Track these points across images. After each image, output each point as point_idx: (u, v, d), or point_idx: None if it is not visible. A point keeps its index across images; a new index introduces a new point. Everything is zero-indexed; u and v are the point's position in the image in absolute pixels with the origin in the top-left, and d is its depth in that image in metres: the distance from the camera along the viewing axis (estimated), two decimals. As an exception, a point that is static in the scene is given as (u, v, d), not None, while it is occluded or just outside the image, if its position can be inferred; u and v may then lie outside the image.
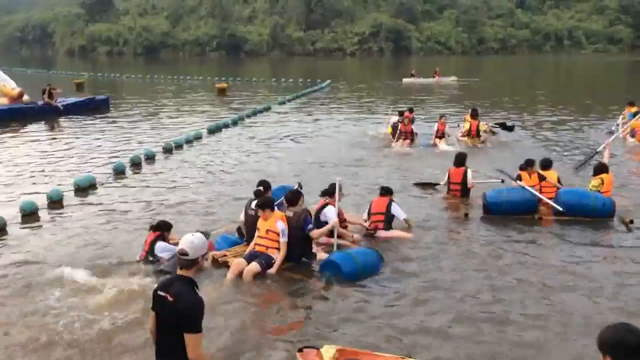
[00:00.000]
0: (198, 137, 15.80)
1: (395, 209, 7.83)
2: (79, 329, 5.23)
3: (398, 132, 14.53)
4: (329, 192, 7.48)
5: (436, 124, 14.98)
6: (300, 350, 4.49)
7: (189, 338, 3.46)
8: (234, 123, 18.70)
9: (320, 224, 7.23)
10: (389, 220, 7.78)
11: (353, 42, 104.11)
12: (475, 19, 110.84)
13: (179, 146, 14.48)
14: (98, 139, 16.11)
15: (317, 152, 14.05)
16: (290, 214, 6.78)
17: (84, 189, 10.28)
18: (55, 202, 9.43)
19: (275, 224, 6.56)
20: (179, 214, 8.74)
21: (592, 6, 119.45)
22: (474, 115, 15.29)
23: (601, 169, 8.95)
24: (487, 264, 6.81)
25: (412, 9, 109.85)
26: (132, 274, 6.49)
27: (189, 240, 3.65)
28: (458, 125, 16.39)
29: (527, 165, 9.14)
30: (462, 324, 5.37)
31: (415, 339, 5.13)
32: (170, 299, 3.54)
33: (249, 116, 20.28)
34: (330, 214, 7.25)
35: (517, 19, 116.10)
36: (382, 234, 7.71)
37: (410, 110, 16.05)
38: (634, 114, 15.35)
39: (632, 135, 14.82)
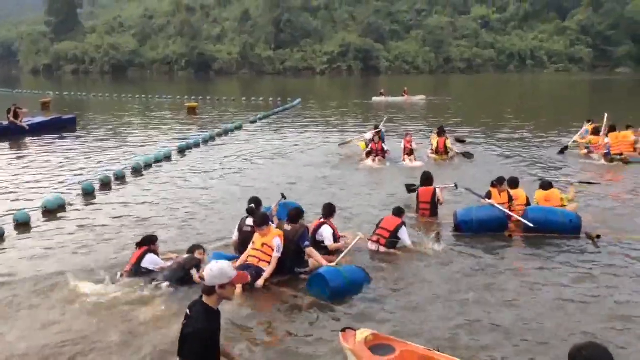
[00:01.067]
0: (168, 157, 15.67)
1: (403, 234, 7.86)
2: None
3: (369, 149, 15.01)
4: (326, 213, 7.75)
5: (403, 141, 15.40)
6: (343, 330, 4.92)
7: None
8: (205, 142, 18.61)
9: (316, 243, 7.43)
10: (392, 240, 7.80)
11: (322, 61, 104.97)
12: (441, 39, 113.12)
13: (148, 166, 14.33)
14: (66, 159, 15.82)
15: (290, 170, 14.08)
16: (288, 228, 7.09)
17: (53, 210, 10.07)
18: (22, 225, 9.21)
19: (272, 240, 6.78)
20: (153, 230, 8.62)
21: (553, 27, 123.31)
22: (441, 132, 15.75)
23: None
24: (459, 284, 6.87)
25: (380, 29, 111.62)
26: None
27: (208, 267, 3.81)
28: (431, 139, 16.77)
29: (498, 183, 9.23)
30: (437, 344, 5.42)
31: None
32: (185, 321, 3.75)
33: (220, 135, 20.21)
34: (326, 233, 7.52)
35: (482, 39, 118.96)
36: (381, 249, 7.79)
37: (377, 128, 16.47)
38: (592, 131, 16.25)
39: (590, 151, 15.65)
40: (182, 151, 16.74)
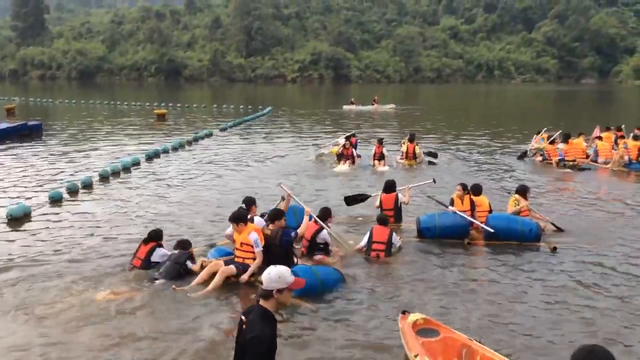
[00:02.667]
0: (136, 164, 15.53)
1: (395, 238, 8.12)
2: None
3: (340, 154, 15.84)
4: (323, 216, 7.99)
5: (374, 147, 16.14)
6: (403, 312, 5.38)
7: None
8: (174, 149, 18.50)
9: (316, 246, 7.82)
10: (389, 248, 7.98)
11: (293, 69, 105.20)
12: (411, 49, 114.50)
13: (115, 173, 14.18)
14: (31, 166, 15.50)
15: (261, 177, 14.09)
16: (268, 231, 7.29)
17: (18, 219, 9.87)
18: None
19: (248, 237, 6.97)
20: (120, 243, 8.56)
21: (520, 38, 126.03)
22: (411, 139, 16.46)
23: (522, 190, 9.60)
24: (415, 289, 7.01)
25: (351, 39, 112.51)
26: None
27: (266, 271, 3.83)
28: (401, 145, 17.41)
29: (462, 189, 9.35)
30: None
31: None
32: (244, 327, 3.72)
33: (190, 142, 20.10)
34: (325, 236, 7.82)
35: (451, 49, 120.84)
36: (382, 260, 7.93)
37: (353, 135, 17.38)
38: (547, 139, 17.05)
39: (543, 158, 16.42)
40: (150, 158, 16.60)
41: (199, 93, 64.38)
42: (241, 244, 7.06)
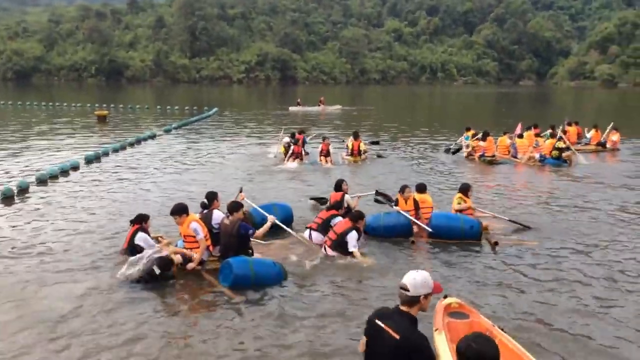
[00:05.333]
0: (75, 167, 14.98)
1: (351, 238, 7.85)
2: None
3: (290, 152, 16.24)
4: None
5: (320, 145, 16.82)
6: (444, 297, 5.42)
7: None
8: (116, 151, 17.97)
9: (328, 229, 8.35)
10: (339, 243, 7.90)
11: (239, 70, 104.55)
12: (357, 51, 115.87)
13: (54, 177, 13.61)
14: (-39, 170, 14.74)
15: (210, 177, 13.91)
16: (227, 221, 7.43)
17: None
18: None
19: (187, 228, 7.19)
20: (57, 250, 8.22)
21: (461, 41, 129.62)
22: (355, 136, 17.11)
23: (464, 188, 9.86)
24: (362, 286, 7.07)
25: (297, 40, 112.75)
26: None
27: (412, 276, 3.69)
28: (344, 141, 18.11)
29: (402, 190, 9.49)
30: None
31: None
32: (394, 335, 3.54)
33: (132, 144, 19.57)
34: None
35: (395, 52, 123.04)
36: (328, 252, 7.96)
37: (300, 132, 18.13)
38: (472, 136, 18.23)
39: (470, 153, 17.48)
40: (90, 161, 16.04)
41: (141, 94, 62.97)
42: (184, 235, 7.28)
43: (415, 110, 45.28)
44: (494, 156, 16.86)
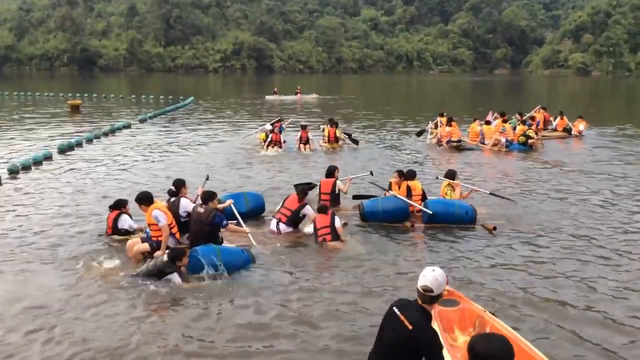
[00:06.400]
0: (48, 157, 14.72)
1: (336, 221, 8.12)
2: None
3: (269, 140, 16.42)
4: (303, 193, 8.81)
5: (299, 133, 17.04)
6: None
7: None
8: (89, 141, 17.73)
9: (299, 219, 8.56)
10: (334, 231, 8.03)
11: (215, 59, 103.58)
12: (333, 40, 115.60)
13: (26, 167, 13.38)
14: None
15: (182, 167, 13.72)
16: (201, 210, 7.47)
17: None
18: None
19: (150, 216, 7.19)
20: (35, 241, 8.12)
21: (437, 30, 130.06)
22: (332, 124, 17.46)
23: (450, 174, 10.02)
24: (362, 267, 7.13)
25: (273, 28, 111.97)
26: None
27: (433, 277, 3.66)
28: (323, 129, 18.16)
29: (398, 176, 9.64)
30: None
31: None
32: (407, 325, 3.58)
33: (106, 134, 19.29)
34: (308, 211, 8.52)
35: (372, 40, 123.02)
36: (331, 245, 7.95)
37: (279, 121, 18.60)
38: (447, 122, 18.15)
39: (439, 139, 17.80)
40: (63, 151, 15.79)
41: (115, 83, 62.05)
42: (149, 224, 7.31)
43: (391, 98, 45.43)
44: (459, 141, 17.22)
